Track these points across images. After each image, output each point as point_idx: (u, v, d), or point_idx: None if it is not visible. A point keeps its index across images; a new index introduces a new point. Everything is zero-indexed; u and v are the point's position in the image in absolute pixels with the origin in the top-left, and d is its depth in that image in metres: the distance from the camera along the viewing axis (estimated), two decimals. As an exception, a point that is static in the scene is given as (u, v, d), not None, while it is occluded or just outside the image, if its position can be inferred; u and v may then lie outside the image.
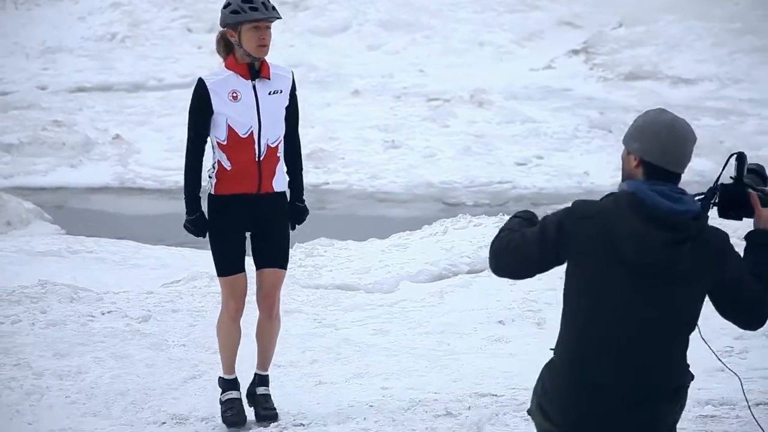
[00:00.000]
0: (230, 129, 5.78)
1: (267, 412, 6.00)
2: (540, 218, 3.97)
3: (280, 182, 5.91)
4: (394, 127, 17.62)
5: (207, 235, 5.89)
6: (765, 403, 6.21)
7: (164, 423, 6.09)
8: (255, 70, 5.80)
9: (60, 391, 6.48)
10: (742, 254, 3.86)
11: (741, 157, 3.91)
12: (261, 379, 6.07)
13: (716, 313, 3.89)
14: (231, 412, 5.97)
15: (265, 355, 6.07)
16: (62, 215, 13.62)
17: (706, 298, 3.82)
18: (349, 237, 10.71)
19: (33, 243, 11.03)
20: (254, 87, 5.80)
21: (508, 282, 8.63)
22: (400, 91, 20.15)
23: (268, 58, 5.85)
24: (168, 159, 16.06)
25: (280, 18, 5.83)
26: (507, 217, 4.06)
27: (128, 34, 22.92)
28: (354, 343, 7.49)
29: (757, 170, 3.96)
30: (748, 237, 3.87)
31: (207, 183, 5.87)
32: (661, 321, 3.74)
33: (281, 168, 5.91)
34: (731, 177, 3.90)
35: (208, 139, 5.86)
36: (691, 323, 3.80)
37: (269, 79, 5.83)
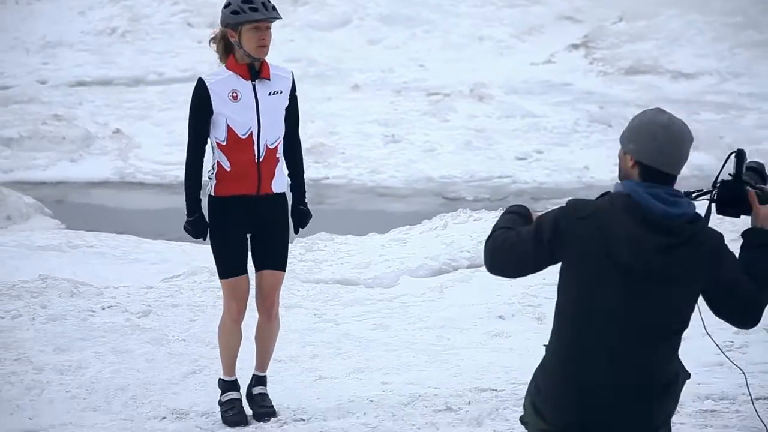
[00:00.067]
0: (230, 129, 5.78)
1: (264, 410, 6.01)
2: (534, 213, 3.97)
3: (280, 183, 5.91)
4: (394, 122, 17.62)
5: (206, 237, 5.89)
6: (766, 397, 6.22)
7: (164, 418, 6.10)
8: (255, 70, 5.80)
9: (60, 386, 6.48)
10: (738, 250, 3.87)
11: (740, 155, 3.91)
12: (258, 380, 6.08)
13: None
14: (232, 412, 5.97)
15: (264, 356, 6.08)
16: (62, 210, 13.61)
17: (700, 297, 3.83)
18: (349, 232, 10.72)
19: (33, 237, 11.04)
20: (254, 87, 5.80)
21: (508, 277, 8.63)
22: (400, 85, 20.14)
23: (268, 56, 5.85)
24: (168, 153, 16.05)
25: (281, 18, 5.82)
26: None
27: (128, 29, 22.92)
28: (354, 338, 7.49)
29: (756, 168, 3.97)
30: (745, 235, 3.88)
31: (207, 184, 5.87)
32: (654, 321, 3.75)
33: (281, 169, 5.90)
34: (730, 174, 3.91)
35: (209, 139, 5.86)
36: (684, 322, 3.81)
37: (269, 79, 5.82)
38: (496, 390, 6.36)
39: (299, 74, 20.81)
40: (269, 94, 5.82)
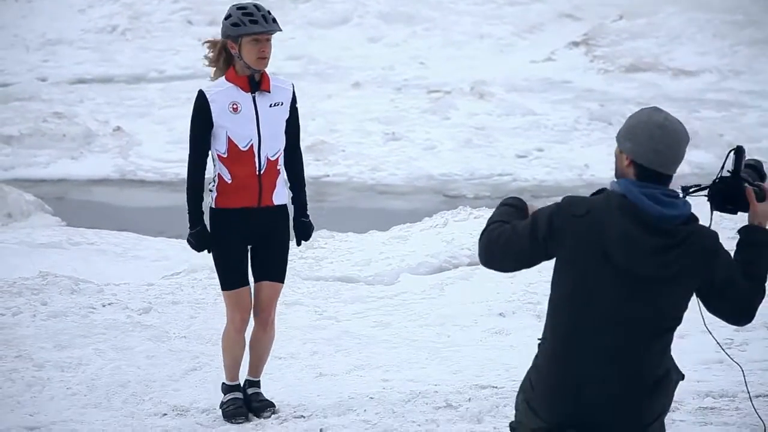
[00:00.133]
0: (230, 141, 5.78)
1: (261, 404, 6.04)
2: (531, 206, 3.97)
3: (281, 195, 5.91)
4: (394, 120, 17.61)
5: (209, 250, 5.89)
6: (765, 395, 6.22)
7: (165, 414, 6.10)
8: (255, 82, 5.80)
9: (61, 383, 6.49)
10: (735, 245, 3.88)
11: (739, 152, 3.92)
12: (251, 383, 6.12)
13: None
14: (233, 406, 5.99)
15: (257, 364, 6.10)
16: (63, 207, 13.61)
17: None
18: (349, 229, 10.72)
19: (34, 235, 11.04)
20: (254, 100, 5.80)
21: (509, 274, 8.65)
22: (400, 83, 20.14)
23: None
24: (169, 151, 16.05)
25: (281, 30, 5.82)
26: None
27: (129, 27, 22.91)
28: (354, 335, 7.50)
29: (754, 165, 3.98)
30: (741, 232, 3.88)
31: (207, 197, 5.88)
32: (648, 319, 3.76)
33: (281, 181, 5.91)
34: (728, 171, 3.91)
35: (209, 152, 5.86)
36: (678, 320, 3.82)
37: (269, 92, 5.82)
38: (496, 387, 6.37)
39: (299, 72, 20.82)
40: (270, 106, 5.82)
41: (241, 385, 6.10)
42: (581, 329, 3.77)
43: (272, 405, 6.05)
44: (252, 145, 5.79)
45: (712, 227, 3.87)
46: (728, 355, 4.31)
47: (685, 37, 21.70)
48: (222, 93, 5.78)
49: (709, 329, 4.03)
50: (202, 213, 5.86)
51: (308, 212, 6.06)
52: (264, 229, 5.88)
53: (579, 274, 3.76)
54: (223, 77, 5.83)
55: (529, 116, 17.84)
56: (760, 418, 4.32)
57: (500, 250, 3.85)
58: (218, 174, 5.84)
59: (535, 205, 4.00)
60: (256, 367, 6.10)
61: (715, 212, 3.91)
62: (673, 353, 3.75)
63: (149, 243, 11.17)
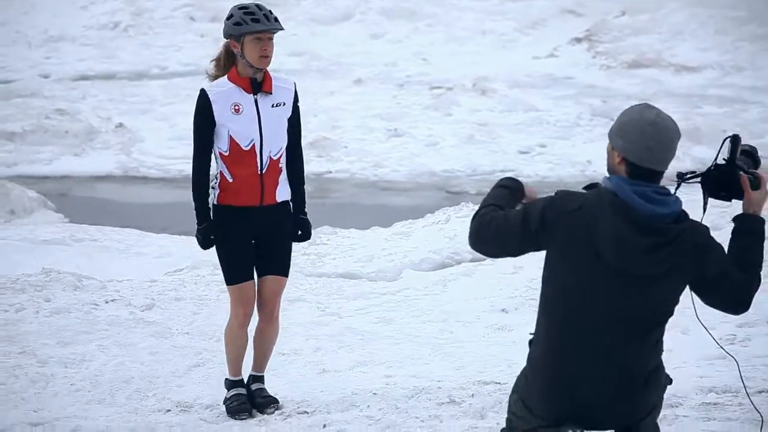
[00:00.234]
0: (232, 140, 5.79)
1: (265, 400, 6.05)
2: (527, 187, 3.97)
3: (283, 192, 5.92)
4: (396, 116, 17.61)
5: (213, 247, 5.92)
6: (767, 390, 6.23)
7: (169, 410, 6.11)
8: (257, 83, 5.81)
9: (65, 379, 6.50)
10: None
11: (735, 140, 3.92)
12: (255, 378, 6.13)
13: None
14: (237, 402, 6.00)
15: (261, 358, 6.11)
16: (66, 204, 13.62)
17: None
18: (352, 225, 10.73)
19: (37, 231, 11.05)
20: (256, 102, 5.81)
21: (511, 270, 8.66)
22: (402, 79, 20.13)
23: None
24: (171, 148, 16.06)
25: (283, 29, 5.83)
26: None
27: (131, 23, 22.91)
28: (357, 331, 7.51)
29: (749, 152, 3.98)
30: (736, 220, 3.89)
31: (211, 193, 5.89)
32: (640, 315, 3.77)
33: (283, 178, 5.92)
34: (724, 159, 3.92)
35: (212, 149, 5.87)
36: (669, 313, 3.83)
37: (271, 93, 5.83)
38: (499, 383, 6.37)
39: (302, 68, 20.82)
40: (272, 107, 5.84)
41: (245, 380, 6.11)
42: (575, 326, 3.78)
43: (276, 401, 6.06)
44: (254, 145, 5.81)
45: (705, 216, 3.88)
46: (723, 349, 4.31)
47: (688, 33, 21.68)
48: (224, 93, 5.79)
49: (704, 324, 4.04)
50: (209, 209, 5.88)
51: (306, 210, 6.06)
52: (267, 226, 5.90)
53: (571, 271, 3.77)
54: (225, 77, 5.84)
55: (532, 112, 17.84)
56: (756, 410, 4.33)
57: (490, 236, 3.85)
58: (220, 172, 5.86)
59: (532, 188, 4.00)
60: (260, 362, 6.11)
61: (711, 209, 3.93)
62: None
63: (152, 239, 11.18)
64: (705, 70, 20.42)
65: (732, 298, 3.81)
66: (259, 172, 5.82)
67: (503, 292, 8.23)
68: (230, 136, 5.79)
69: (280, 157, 5.88)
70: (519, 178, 4.03)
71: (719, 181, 3.91)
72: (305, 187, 6.06)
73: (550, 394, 3.82)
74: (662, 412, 5.79)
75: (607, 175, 3.85)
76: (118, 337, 7.22)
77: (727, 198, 3.92)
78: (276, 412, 6.02)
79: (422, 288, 8.63)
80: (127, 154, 16.12)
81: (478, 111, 17.83)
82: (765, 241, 3.88)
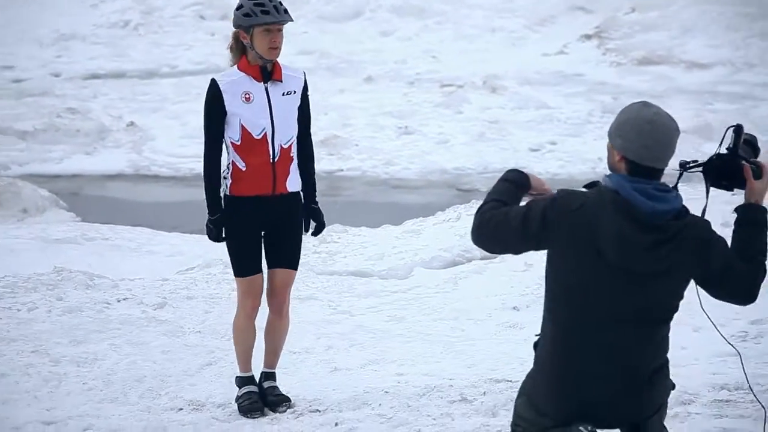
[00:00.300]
0: (244, 129, 5.80)
1: (277, 398, 6.05)
2: (533, 176, 3.97)
3: (294, 182, 5.93)
4: (407, 114, 17.61)
5: (223, 240, 5.92)
6: (779, 387, 6.21)
7: (181, 409, 6.12)
8: (267, 72, 5.82)
9: (77, 378, 6.52)
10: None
11: (738, 130, 3.92)
12: (267, 375, 6.13)
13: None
14: (249, 401, 6.01)
15: (273, 354, 6.11)
16: (78, 202, 13.65)
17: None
18: (363, 223, 10.74)
19: (49, 230, 11.08)
20: (266, 89, 5.82)
21: (522, 268, 8.66)
22: (413, 77, 20.12)
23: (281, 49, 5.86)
24: (182, 146, 16.08)
25: (292, 21, 5.83)
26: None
27: (141, 22, 22.94)
28: (369, 329, 7.51)
29: (749, 141, 3.98)
30: (738, 210, 3.89)
31: (222, 183, 5.90)
32: (644, 311, 3.78)
33: (294, 168, 5.92)
34: (726, 148, 3.92)
35: (223, 140, 5.88)
36: (674, 309, 3.84)
37: (281, 81, 5.84)
38: (510, 381, 6.37)
39: (312, 66, 20.83)
40: (282, 95, 5.85)
41: (257, 378, 6.12)
42: (579, 324, 3.79)
43: (288, 399, 6.07)
44: (265, 134, 5.81)
45: (716, 211, 3.88)
46: (728, 341, 4.30)
47: (698, 30, 21.64)
48: (234, 82, 5.80)
49: (710, 317, 4.03)
50: (220, 199, 5.88)
51: (317, 200, 6.07)
52: (278, 216, 5.90)
53: (573, 270, 3.77)
54: (235, 67, 5.85)
55: (542, 110, 17.83)
56: (760, 403, 4.33)
57: (490, 234, 3.87)
58: (232, 161, 5.86)
59: (539, 178, 4.00)
60: (271, 358, 6.11)
61: (711, 205, 3.93)
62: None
63: (163, 238, 11.19)
64: (716, 67, 20.37)
65: (738, 289, 3.81)
66: (271, 161, 5.82)
67: (514, 289, 8.23)
68: (242, 125, 5.80)
69: (291, 146, 5.89)
70: (524, 170, 4.03)
71: (721, 171, 3.91)
72: (315, 177, 6.07)
73: (556, 393, 3.82)
74: (674, 410, 5.80)
75: (608, 173, 3.85)
76: (130, 335, 7.24)
77: (729, 187, 3.93)
78: (288, 410, 6.02)
79: (433, 286, 8.63)
80: (138, 153, 16.15)
81: (489, 108, 17.82)
82: None
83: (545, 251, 3.86)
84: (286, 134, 5.86)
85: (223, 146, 5.89)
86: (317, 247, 9.62)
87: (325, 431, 5.80)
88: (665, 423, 3.97)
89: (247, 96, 5.80)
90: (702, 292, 3.88)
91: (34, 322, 7.46)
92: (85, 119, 16.73)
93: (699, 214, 3.86)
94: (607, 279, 3.74)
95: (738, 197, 3.96)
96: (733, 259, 3.79)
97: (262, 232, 5.94)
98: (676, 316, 3.88)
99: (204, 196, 5.91)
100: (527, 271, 8.57)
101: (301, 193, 6.01)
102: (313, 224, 6.06)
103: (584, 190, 3.85)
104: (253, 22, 5.75)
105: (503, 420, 5.88)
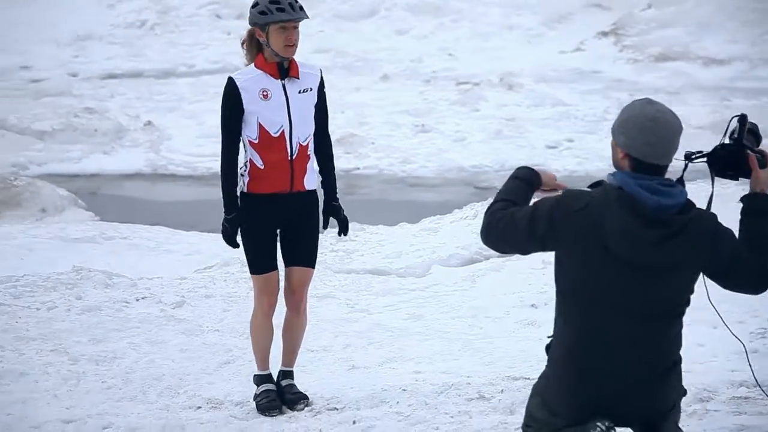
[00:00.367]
0: (261, 127, 5.81)
1: (295, 396, 6.05)
2: (544, 173, 3.97)
3: (312, 180, 5.94)
4: (424, 112, 17.61)
5: (237, 243, 5.93)
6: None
7: (200, 407, 6.14)
8: (284, 69, 5.83)
9: (96, 376, 6.54)
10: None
11: (743, 119, 3.93)
12: (285, 374, 6.13)
13: (745, 295, 3.92)
14: (267, 399, 6.02)
15: (291, 352, 6.12)
16: (96, 202, 13.70)
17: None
18: (380, 221, 10.75)
19: (68, 230, 11.12)
20: (284, 86, 5.83)
21: (540, 265, 8.65)
22: (429, 75, 20.13)
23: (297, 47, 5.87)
24: (199, 146, 16.12)
25: (308, 18, 5.84)
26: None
27: (157, 21, 23.00)
28: (386, 327, 7.52)
29: (752, 130, 3.98)
30: (744, 200, 3.88)
31: (239, 181, 5.91)
32: (654, 306, 3.78)
33: (312, 166, 5.93)
34: (731, 138, 3.92)
35: (241, 138, 5.89)
36: (686, 303, 3.84)
37: (298, 78, 5.85)
38: (528, 378, 6.37)
39: (328, 65, 20.84)
40: (299, 92, 5.85)
41: (274, 377, 6.13)
42: (590, 322, 3.79)
43: (306, 397, 6.08)
44: (283, 131, 5.82)
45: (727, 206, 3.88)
46: (731, 331, 4.30)
47: (715, 26, 21.57)
48: (252, 80, 5.81)
49: (712, 302, 4.03)
50: (237, 198, 5.89)
51: (338, 196, 6.07)
52: (295, 214, 5.90)
53: (582, 268, 3.78)
54: (252, 64, 5.86)
55: (559, 107, 17.80)
56: (763, 391, 4.32)
57: (499, 235, 3.90)
58: (250, 159, 5.86)
59: (550, 174, 4.00)
60: (289, 356, 6.12)
61: (715, 202, 3.92)
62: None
63: (181, 237, 11.22)
64: (733, 63, 20.31)
65: (748, 279, 3.82)
66: (289, 158, 5.83)
67: (532, 287, 8.23)
68: (259, 123, 5.81)
69: (308, 143, 5.90)
70: (535, 167, 4.03)
71: (726, 160, 3.91)
72: (335, 174, 6.07)
73: (569, 390, 3.82)
74: (693, 407, 5.79)
75: (611, 172, 3.86)
76: (149, 334, 7.26)
77: (734, 177, 3.93)
78: (306, 408, 6.03)
79: (451, 284, 8.63)
80: (156, 152, 16.19)
81: (505, 106, 17.81)
82: None
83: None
84: (304, 132, 5.87)
85: (240, 144, 5.91)
86: (334, 246, 9.63)
87: (342, 429, 5.80)
88: (682, 420, 3.96)
89: (265, 93, 5.81)
90: (710, 285, 3.88)
91: (53, 321, 7.50)
92: (103, 119, 16.79)
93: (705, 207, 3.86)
94: (615, 275, 3.75)
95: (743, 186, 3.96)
96: (741, 249, 3.79)
97: (278, 230, 5.96)
98: (693, 313, 3.88)
99: (221, 195, 5.92)
100: (545, 269, 8.56)
101: (322, 192, 6.02)
102: (335, 223, 6.06)
103: (589, 189, 3.86)
104: (268, 20, 5.76)
105: (521, 418, 5.83)
